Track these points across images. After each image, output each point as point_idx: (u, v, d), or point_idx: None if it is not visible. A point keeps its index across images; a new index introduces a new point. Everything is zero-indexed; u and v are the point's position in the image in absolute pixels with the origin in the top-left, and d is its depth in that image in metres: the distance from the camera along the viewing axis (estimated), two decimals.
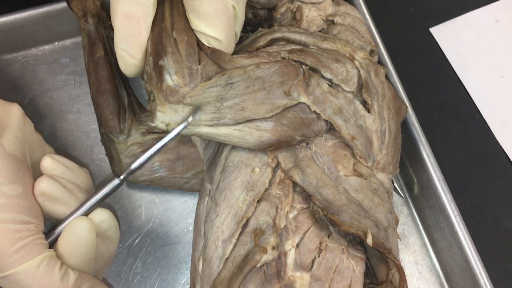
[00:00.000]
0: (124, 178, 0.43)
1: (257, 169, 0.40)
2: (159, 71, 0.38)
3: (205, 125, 0.39)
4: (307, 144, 0.42)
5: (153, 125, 0.40)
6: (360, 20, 0.50)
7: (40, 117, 0.59)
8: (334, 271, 0.39)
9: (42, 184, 0.39)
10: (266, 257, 0.36)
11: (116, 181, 0.43)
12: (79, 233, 0.38)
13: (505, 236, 0.45)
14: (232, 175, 0.40)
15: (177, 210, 0.55)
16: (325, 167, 0.41)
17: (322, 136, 0.42)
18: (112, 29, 0.49)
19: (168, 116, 0.39)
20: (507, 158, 0.53)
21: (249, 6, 0.52)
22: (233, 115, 0.38)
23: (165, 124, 0.39)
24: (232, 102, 0.38)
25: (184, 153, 0.50)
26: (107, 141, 0.50)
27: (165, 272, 0.52)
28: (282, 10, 0.51)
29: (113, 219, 0.41)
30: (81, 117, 0.60)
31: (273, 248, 0.36)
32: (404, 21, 0.61)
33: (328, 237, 0.40)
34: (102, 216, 0.41)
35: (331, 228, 0.40)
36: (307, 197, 0.41)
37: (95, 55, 0.51)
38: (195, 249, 0.41)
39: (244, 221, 0.38)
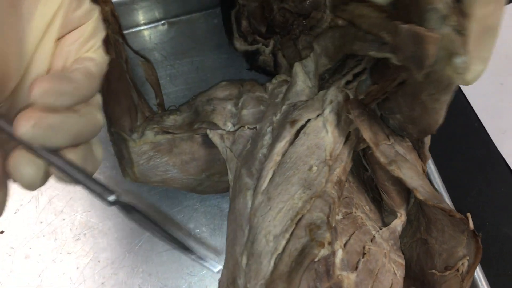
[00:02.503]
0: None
1: (314, 168, 0.38)
2: None
3: None
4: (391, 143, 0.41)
5: None
6: None
7: None
8: (377, 274, 0.38)
9: None
10: (323, 252, 0.34)
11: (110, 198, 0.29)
12: None
13: (504, 243, 0.44)
14: (289, 171, 0.38)
15: (178, 216, 0.54)
16: (413, 164, 0.41)
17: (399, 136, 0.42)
18: (121, 35, 0.52)
19: None
20: (506, 165, 0.52)
21: (282, 9, 0.50)
22: None
23: None
24: None
25: (198, 154, 0.48)
26: (118, 140, 0.47)
27: (166, 277, 0.51)
28: (318, 16, 0.48)
29: None
30: None
31: (329, 243, 0.34)
32: None
33: (371, 241, 0.39)
34: None
35: (373, 232, 0.40)
36: (350, 202, 0.40)
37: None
38: (236, 244, 0.39)
39: (299, 217, 0.36)
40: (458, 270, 0.39)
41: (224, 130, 0.46)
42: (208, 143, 0.48)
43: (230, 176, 0.44)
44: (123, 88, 0.48)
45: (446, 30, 0.30)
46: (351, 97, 0.39)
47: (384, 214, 0.43)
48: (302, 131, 0.39)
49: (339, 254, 0.37)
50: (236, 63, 0.60)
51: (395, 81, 0.37)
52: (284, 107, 0.42)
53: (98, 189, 0.28)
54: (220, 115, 0.47)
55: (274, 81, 0.47)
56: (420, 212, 0.42)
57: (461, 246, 0.39)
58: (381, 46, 0.35)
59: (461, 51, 0.30)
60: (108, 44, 0.50)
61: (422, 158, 0.42)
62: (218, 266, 0.31)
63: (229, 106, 0.47)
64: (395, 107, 0.39)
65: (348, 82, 0.41)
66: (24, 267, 0.52)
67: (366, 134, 0.38)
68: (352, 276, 0.36)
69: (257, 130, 0.44)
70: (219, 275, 0.51)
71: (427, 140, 0.43)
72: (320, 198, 0.37)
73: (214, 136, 0.46)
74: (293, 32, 0.48)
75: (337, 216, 0.39)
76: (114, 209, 0.52)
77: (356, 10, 0.35)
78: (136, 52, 0.53)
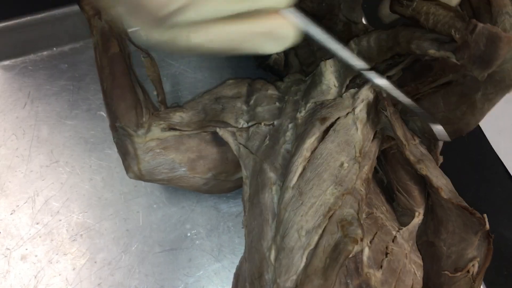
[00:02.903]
0: None
1: (345, 164, 0.38)
2: None
3: None
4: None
5: None
6: None
7: (38, 122, 0.57)
8: (399, 273, 0.38)
9: None
10: (357, 248, 0.34)
11: None
12: None
13: (500, 243, 0.45)
14: (321, 167, 0.38)
15: (174, 216, 0.53)
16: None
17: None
18: (125, 32, 0.51)
19: None
20: (502, 165, 0.53)
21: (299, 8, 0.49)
22: None
23: None
24: None
25: (206, 152, 0.47)
26: (123, 136, 0.46)
27: (163, 278, 0.50)
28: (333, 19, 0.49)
29: None
30: (79, 123, 0.56)
31: (361, 239, 0.35)
32: None
33: (393, 241, 0.40)
34: None
35: (393, 232, 0.40)
36: (370, 203, 0.41)
37: (109, 50, 0.48)
38: (262, 238, 0.38)
39: (331, 213, 0.36)
40: (468, 271, 0.40)
41: (236, 127, 0.45)
42: (216, 141, 0.47)
43: (245, 173, 0.43)
44: (128, 83, 0.47)
45: None
46: (385, 95, 0.40)
47: (397, 215, 0.43)
48: (332, 128, 0.39)
49: (366, 252, 0.37)
50: (232, 63, 0.60)
51: (436, 82, 0.38)
52: (309, 105, 0.42)
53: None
54: (231, 113, 0.46)
55: (287, 79, 0.47)
56: (428, 215, 0.43)
57: (471, 248, 0.40)
58: (441, 45, 0.35)
59: None
60: (112, 38, 0.49)
61: (435, 160, 0.43)
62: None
63: (239, 104, 0.47)
64: (426, 109, 0.40)
65: None
66: (20, 268, 0.49)
67: (400, 132, 0.39)
68: (378, 274, 0.36)
69: (275, 126, 0.44)
70: (215, 276, 0.51)
71: (441, 143, 0.45)
72: (351, 195, 0.37)
73: (225, 133, 0.45)
74: None
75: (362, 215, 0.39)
76: (111, 209, 0.52)
77: (422, 8, 0.36)
78: (139, 48, 0.51)
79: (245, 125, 0.45)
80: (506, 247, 0.50)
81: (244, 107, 0.46)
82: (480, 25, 0.32)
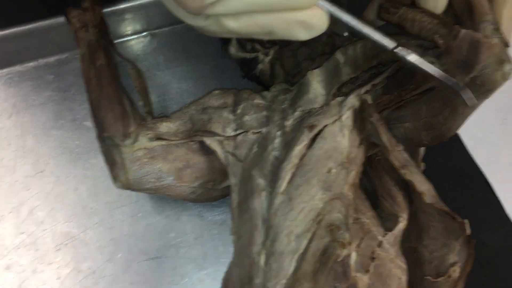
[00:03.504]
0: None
1: (333, 170, 0.39)
2: None
3: None
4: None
5: None
6: None
7: (23, 133, 0.56)
8: (385, 277, 0.39)
9: None
10: (345, 252, 0.35)
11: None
12: None
13: (482, 249, 0.46)
14: (309, 173, 0.39)
15: (159, 225, 0.52)
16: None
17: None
18: (111, 41, 0.51)
19: None
20: (481, 173, 0.55)
21: None
22: None
23: None
24: None
25: (193, 161, 0.47)
26: (110, 146, 0.46)
27: (147, 287, 0.49)
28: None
29: None
30: (65, 133, 0.55)
31: (349, 244, 0.36)
32: None
33: (379, 246, 0.40)
34: None
35: (379, 237, 0.40)
36: (357, 209, 0.41)
37: (96, 62, 0.48)
38: (252, 244, 0.38)
39: (320, 218, 0.37)
40: (450, 276, 0.41)
41: (224, 136, 0.46)
42: (203, 150, 0.47)
43: (233, 180, 0.43)
44: (115, 94, 0.47)
45: (498, 40, 0.34)
46: (370, 102, 0.41)
47: (382, 221, 0.44)
48: (319, 136, 0.40)
49: (354, 256, 0.37)
50: (218, 74, 0.61)
51: (419, 88, 0.39)
52: (297, 113, 0.43)
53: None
54: (218, 122, 0.46)
55: (273, 89, 0.47)
56: (411, 221, 0.44)
57: (452, 253, 0.41)
58: (425, 50, 0.37)
59: (508, 59, 0.34)
60: (98, 50, 0.50)
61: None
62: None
63: (226, 113, 0.47)
64: (409, 115, 0.41)
65: (366, 91, 0.42)
66: (4, 278, 0.48)
67: (384, 137, 0.40)
68: (365, 278, 0.37)
69: (264, 134, 0.44)
70: (200, 284, 0.51)
71: (422, 151, 0.46)
72: (339, 200, 0.37)
73: (212, 142, 0.46)
74: (294, 43, 0.49)
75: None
76: (96, 218, 0.52)
77: (407, 14, 0.37)
78: (125, 59, 0.52)
79: (233, 134, 0.45)
80: (487, 253, 0.51)
81: (231, 116, 0.47)
82: (463, 30, 0.34)
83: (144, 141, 0.46)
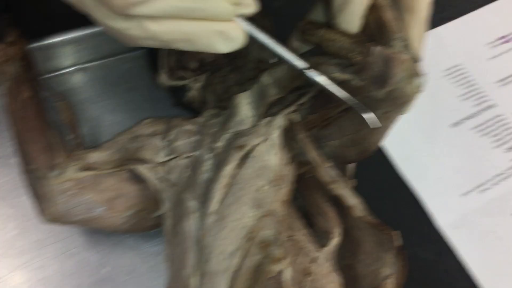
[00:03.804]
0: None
1: (264, 187, 0.39)
2: None
3: None
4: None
5: None
6: None
7: None
8: None
9: None
10: (278, 268, 0.35)
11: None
12: None
13: (415, 264, 0.46)
14: (240, 191, 0.39)
15: (92, 260, 0.50)
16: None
17: None
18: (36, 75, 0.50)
19: None
20: (409, 189, 0.56)
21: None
22: None
23: None
24: None
25: (124, 190, 0.46)
26: (36, 179, 0.44)
27: None
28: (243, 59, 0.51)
29: None
30: None
31: (282, 259, 0.36)
32: None
33: (314, 262, 0.40)
34: None
35: (313, 253, 0.41)
36: (292, 226, 0.41)
37: (22, 95, 0.47)
38: (184, 267, 0.38)
39: (252, 235, 0.37)
40: None
41: (155, 162, 0.45)
42: (135, 179, 0.46)
43: (166, 206, 0.43)
44: (41, 126, 0.46)
45: (408, 56, 0.36)
46: (298, 121, 0.42)
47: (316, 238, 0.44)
48: (249, 155, 0.41)
49: (288, 272, 0.37)
50: (149, 104, 0.60)
51: (342, 106, 0.41)
52: (227, 135, 0.43)
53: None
54: (149, 150, 0.46)
55: (205, 114, 0.47)
56: (345, 238, 0.44)
57: (386, 266, 0.42)
58: (343, 68, 0.38)
59: (418, 73, 0.36)
60: (25, 83, 0.48)
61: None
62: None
63: (157, 141, 0.46)
64: (334, 133, 0.43)
65: (294, 111, 0.43)
66: None
67: (312, 154, 0.41)
68: None
69: (195, 157, 0.44)
70: None
71: (351, 168, 0.47)
72: (270, 216, 0.37)
73: (143, 170, 0.45)
74: (224, 69, 0.50)
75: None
76: (24, 257, 0.49)
77: (326, 35, 0.39)
78: (52, 92, 0.51)
79: (165, 159, 0.45)
80: (420, 266, 0.52)
81: (162, 143, 0.46)
82: (376, 48, 0.36)
83: (72, 172, 0.45)
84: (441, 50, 0.66)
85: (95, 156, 0.46)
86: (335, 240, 0.42)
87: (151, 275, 0.50)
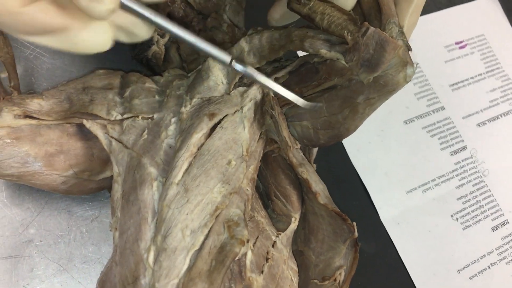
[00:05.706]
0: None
1: (233, 162, 0.36)
2: None
3: None
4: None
5: None
6: None
7: None
8: (278, 279, 0.37)
9: None
10: (244, 250, 0.32)
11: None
12: None
13: (362, 258, 0.46)
14: (208, 164, 0.35)
15: (16, 219, 0.45)
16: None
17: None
18: None
19: None
20: (360, 180, 0.56)
21: (185, 2, 0.47)
22: None
23: None
24: None
25: (68, 147, 0.41)
26: None
27: None
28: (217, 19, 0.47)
29: None
30: None
31: (247, 241, 0.33)
32: None
33: (273, 246, 0.38)
34: None
35: (273, 237, 0.39)
36: (253, 206, 0.39)
37: None
38: (139, 239, 0.34)
39: (218, 212, 0.34)
40: (335, 280, 0.40)
41: (108, 119, 0.40)
42: (81, 134, 0.41)
43: (117, 170, 0.39)
44: None
45: (402, 42, 0.34)
46: (272, 96, 0.39)
47: (272, 222, 0.42)
48: (219, 125, 0.37)
49: (249, 255, 0.35)
50: (98, 54, 0.54)
51: (321, 85, 0.38)
52: (195, 100, 0.39)
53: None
54: (101, 105, 0.41)
55: (167, 74, 0.43)
56: (300, 223, 0.43)
57: (339, 256, 0.41)
58: (332, 45, 0.36)
59: (411, 62, 0.34)
60: None
61: None
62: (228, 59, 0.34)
63: (111, 95, 0.42)
64: (307, 113, 0.41)
65: None
66: None
67: (286, 132, 0.38)
68: (260, 279, 0.35)
69: (155, 119, 0.40)
70: None
71: (315, 151, 0.45)
72: (237, 194, 0.35)
73: (93, 126, 0.40)
74: (192, 28, 0.46)
75: None
76: None
77: (318, 7, 0.36)
78: None
79: (119, 118, 0.40)
80: (365, 260, 0.51)
81: (117, 99, 0.42)
82: (372, 29, 0.33)
83: (8, 118, 0.39)
84: None
85: (36, 104, 0.41)
86: (293, 225, 0.40)
87: (83, 242, 0.46)
